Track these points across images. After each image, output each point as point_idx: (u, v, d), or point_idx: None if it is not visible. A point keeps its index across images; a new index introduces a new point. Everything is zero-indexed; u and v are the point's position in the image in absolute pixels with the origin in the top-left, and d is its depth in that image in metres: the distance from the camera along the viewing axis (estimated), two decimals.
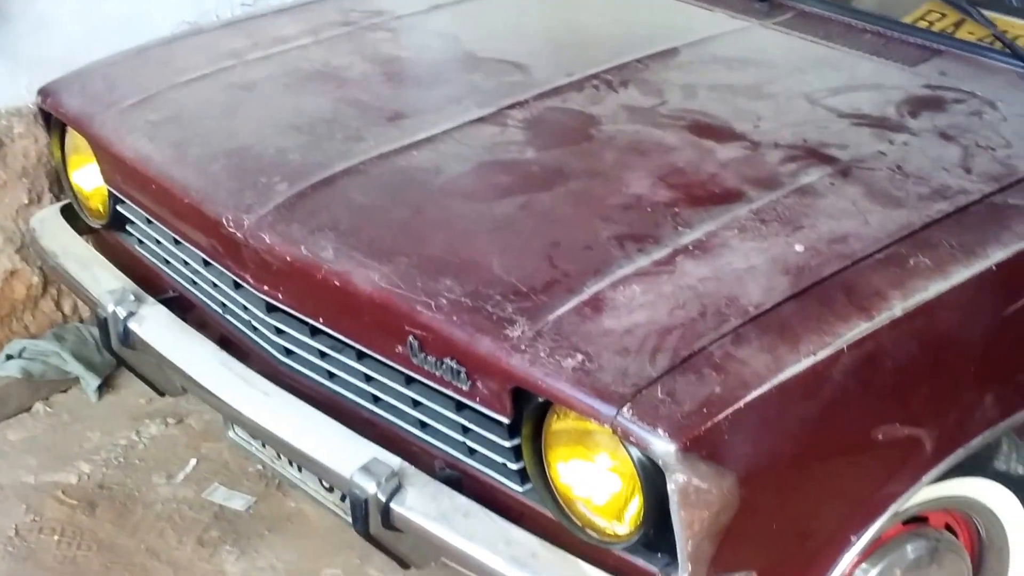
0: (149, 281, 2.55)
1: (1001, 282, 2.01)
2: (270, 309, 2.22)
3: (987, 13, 2.69)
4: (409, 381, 2.04)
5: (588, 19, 2.98)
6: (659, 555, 1.81)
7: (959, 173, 2.20)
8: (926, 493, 2.05)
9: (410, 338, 1.95)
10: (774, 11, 2.90)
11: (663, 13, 2.96)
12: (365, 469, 1.99)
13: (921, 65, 2.63)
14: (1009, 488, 2.21)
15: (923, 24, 2.79)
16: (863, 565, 2.08)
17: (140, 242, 2.62)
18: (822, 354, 1.81)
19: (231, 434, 2.49)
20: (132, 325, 2.40)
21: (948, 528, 2.25)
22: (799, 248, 1.99)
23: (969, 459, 2.03)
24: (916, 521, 2.18)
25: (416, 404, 2.07)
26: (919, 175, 2.19)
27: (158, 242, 2.53)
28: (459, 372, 1.90)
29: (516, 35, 2.92)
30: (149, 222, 2.51)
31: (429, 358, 1.94)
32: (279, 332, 2.25)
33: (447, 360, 1.91)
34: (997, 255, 2.01)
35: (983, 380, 2.03)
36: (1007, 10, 2.72)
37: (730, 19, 2.89)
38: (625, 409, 1.71)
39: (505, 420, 1.89)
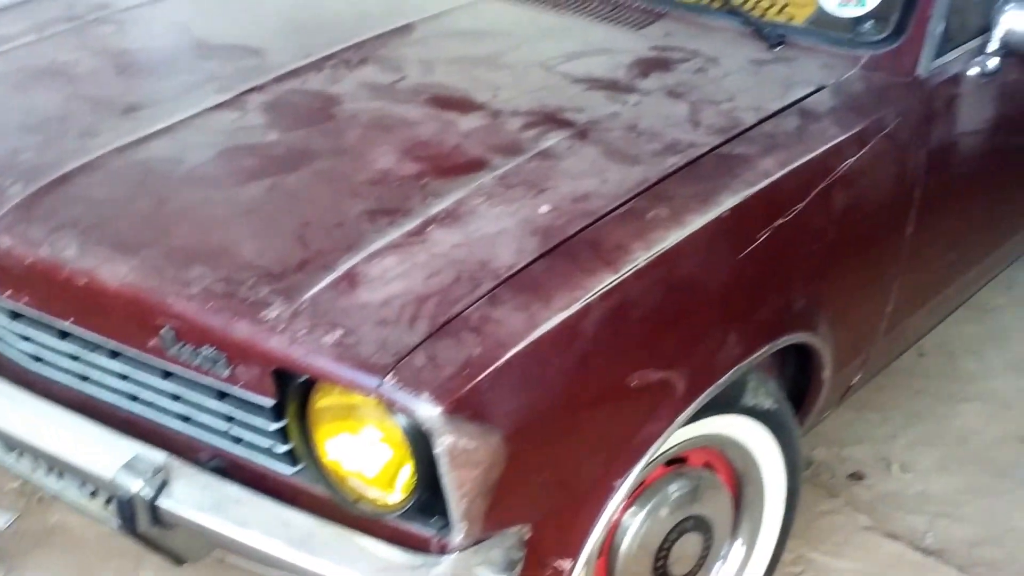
0: None
1: (734, 227, 2.11)
2: (14, 316, 2.15)
3: None
4: (167, 375, 2.00)
5: (321, 0, 2.98)
6: (434, 519, 1.84)
7: (688, 128, 2.29)
8: (682, 433, 2.14)
9: (164, 330, 1.92)
10: None
11: None
12: (128, 467, 1.95)
13: (647, 28, 2.72)
14: (759, 421, 2.32)
15: None
16: (632, 508, 2.16)
17: None
18: (573, 308, 1.87)
19: None
20: None
21: (708, 466, 2.35)
22: (544, 209, 2.04)
23: (719, 397, 2.13)
24: (677, 462, 2.27)
25: (176, 398, 2.03)
26: (651, 132, 2.27)
27: None
28: (217, 360, 1.88)
29: (249, 20, 2.89)
30: None
31: (185, 348, 1.91)
32: (25, 339, 2.17)
33: (204, 348, 1.89)
34: (728, 201, 2.11)
35: (726, 321, 2.12)
36: None
37: None
38: (388, 378, 1.73)
39: (269, 403, 1.88)
